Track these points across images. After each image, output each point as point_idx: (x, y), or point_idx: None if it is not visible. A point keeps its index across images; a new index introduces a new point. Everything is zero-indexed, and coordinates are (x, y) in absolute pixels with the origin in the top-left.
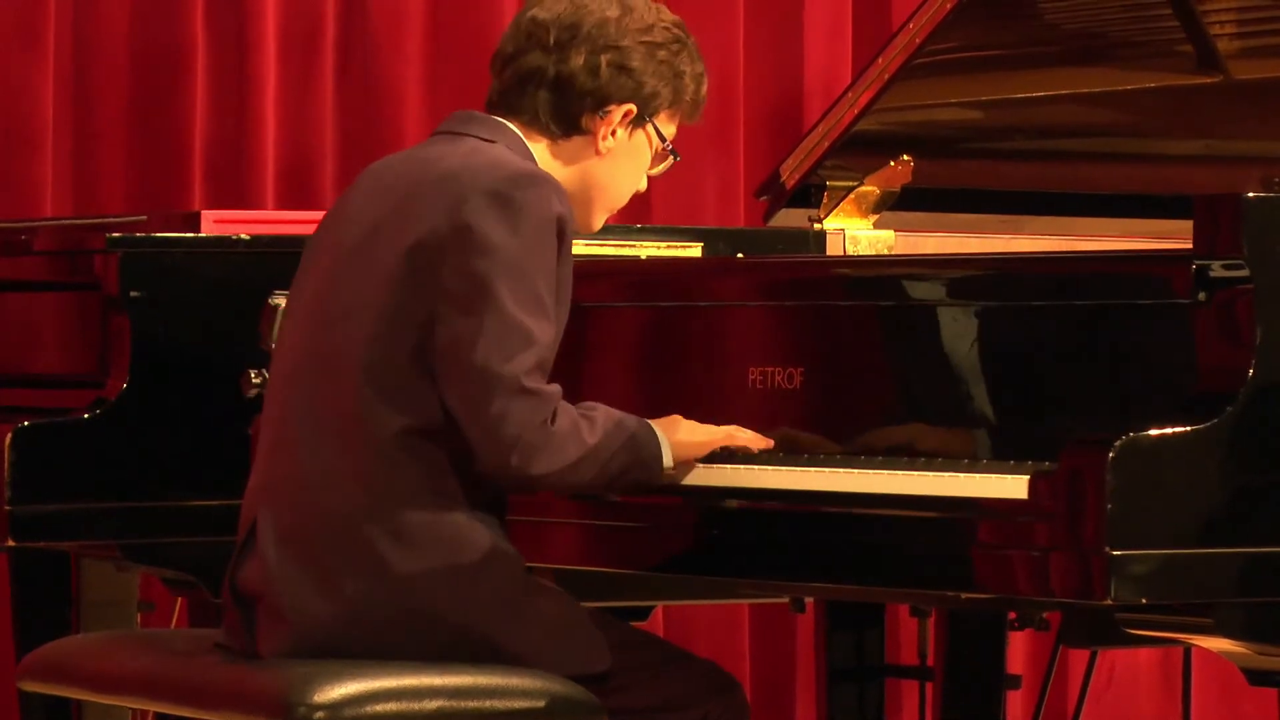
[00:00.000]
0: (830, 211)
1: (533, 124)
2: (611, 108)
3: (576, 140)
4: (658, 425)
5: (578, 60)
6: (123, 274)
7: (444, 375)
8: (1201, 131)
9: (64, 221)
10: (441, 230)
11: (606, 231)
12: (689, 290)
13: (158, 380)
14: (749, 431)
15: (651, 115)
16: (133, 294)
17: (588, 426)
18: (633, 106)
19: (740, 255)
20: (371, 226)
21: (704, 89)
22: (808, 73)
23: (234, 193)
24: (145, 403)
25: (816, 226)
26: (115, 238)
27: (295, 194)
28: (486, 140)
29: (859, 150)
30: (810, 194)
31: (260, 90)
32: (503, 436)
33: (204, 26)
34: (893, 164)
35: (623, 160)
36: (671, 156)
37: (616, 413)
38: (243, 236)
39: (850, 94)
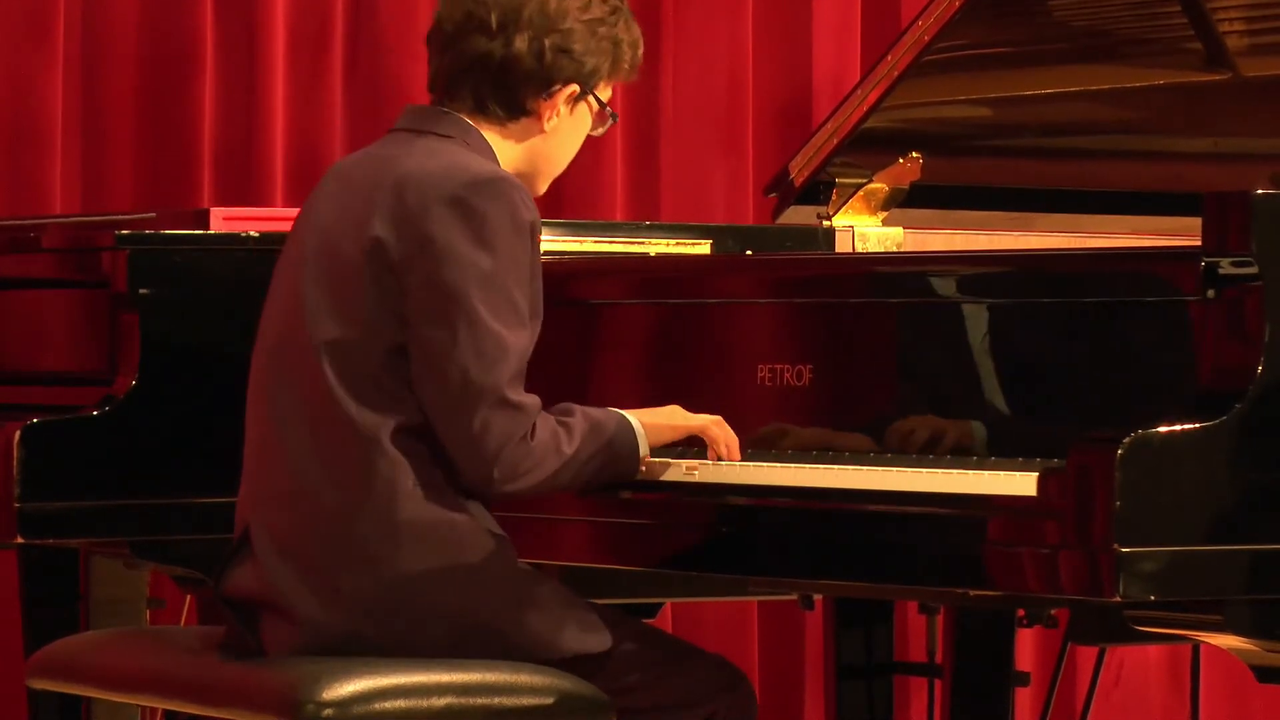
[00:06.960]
0: (839, 209)
1: (478, 110)
2: (556, 89)
3: (523, 121)
4: (638, 415)
5: (521, 45)
6: (131, 271)
7: (422, 387)
8: (1210, 129)
9: (73, 219)
10: (403, 238)
11: (615, 229)
12: (698, 287)
13: (166, 378)
14: (729, 430)
15: (593, 89)
16: (141, 291)
17: (565, 435)
18: (576, 87)
19: (749, 252)
20: (336, 228)
21: (640, 52)
22: (816, 70)
23: (243, 190)
24: (154, 400)
25: (825, 224)
26: (124, 235)
27: (304, 192)
28: (444, 136)
29: (868, 147)
30: (819, 191)
31: (269, 88)
32: (484, 450)
33: (213, 25)
34: (901, 161)
35: (566, 134)
36: (610, 119)
37: (594, 413)
38: (252, 234)
39: (859, 91)
